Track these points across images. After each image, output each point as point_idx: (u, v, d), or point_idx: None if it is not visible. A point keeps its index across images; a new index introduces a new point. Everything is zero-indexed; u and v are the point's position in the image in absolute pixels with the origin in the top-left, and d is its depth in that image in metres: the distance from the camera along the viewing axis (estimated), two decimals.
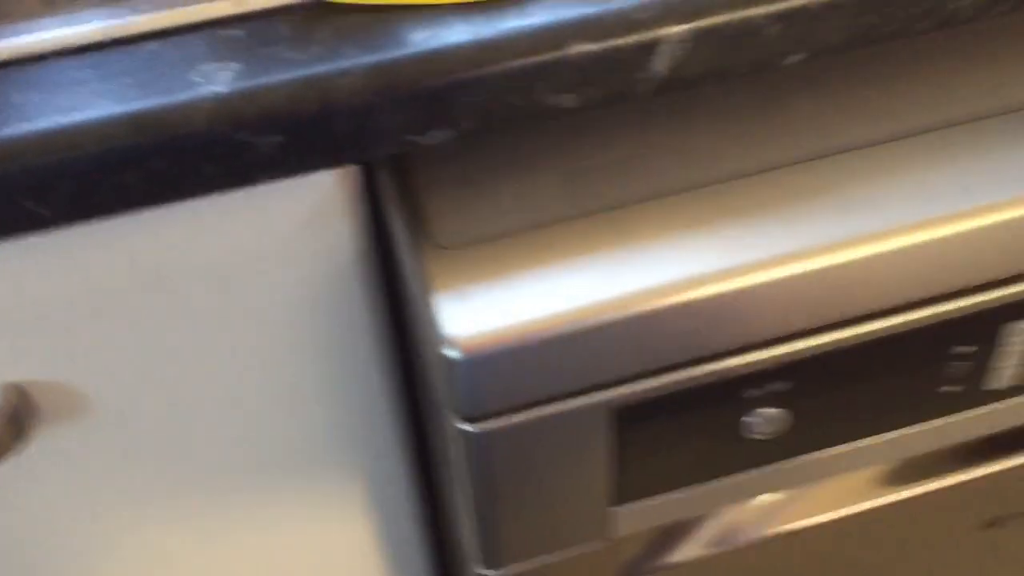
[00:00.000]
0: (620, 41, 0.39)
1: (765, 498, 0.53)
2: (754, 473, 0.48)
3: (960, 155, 0.44)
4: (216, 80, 0.37)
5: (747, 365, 0.43)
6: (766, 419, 0.45)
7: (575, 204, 0.43)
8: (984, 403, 0.49)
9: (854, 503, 0.54)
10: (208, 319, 0.47)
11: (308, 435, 0.55)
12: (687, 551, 0.53)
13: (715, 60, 0.40)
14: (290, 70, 0.37)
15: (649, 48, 0.39)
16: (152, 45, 0.40)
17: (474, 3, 0.40)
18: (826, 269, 0.41)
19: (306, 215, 0.45)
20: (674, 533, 0.52)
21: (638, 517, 0.49)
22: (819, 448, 0.48)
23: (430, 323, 0.40)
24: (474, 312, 0.40)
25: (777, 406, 0.45)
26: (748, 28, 0.39)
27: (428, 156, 0.46)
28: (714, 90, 0.48)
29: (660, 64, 0.40)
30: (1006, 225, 0.42)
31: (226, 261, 0.45)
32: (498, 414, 0.42)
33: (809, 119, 0.46)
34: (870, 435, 0.49)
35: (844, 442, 0.49)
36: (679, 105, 0.47)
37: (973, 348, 0.46)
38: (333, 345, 0.50)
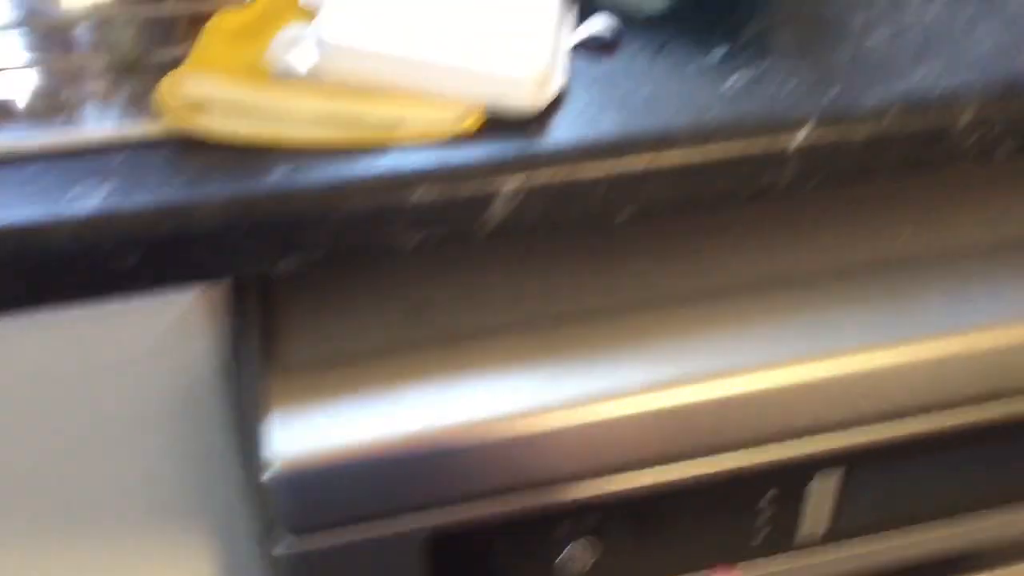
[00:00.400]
0: (461, 189, 0.43)
1: None
2: None
3: (782, 310, 0.48)
4: (86, 200, 0.41)
5: (559, 500, 0.46)
6: (577, 556, 0.48)
7: (414, 333, 0.46)
8: (795, 549, 0.52)
9: None
10: (70, 420, 0.49)
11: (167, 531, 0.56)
12: None
13: (547, 212, 0.44)
14: (155, 195, 0.41)
15: (487, 198, 0.44)
16: (37, 165, 0.43)
17: (336, 146, 0.44)
18: (639, 413, 0.45)
19: (166, 330, 0.49)
20: None
21: None
22: None
23: (255, 442, 0.43)
24: (297, 436, 0.42)
25: (588, 543, 0.48)
26: (577, 187, 0.44)
27: (288, 280, 0.49)
28: (554, 237, 0.52)
29: (497, 212, 0.44)
30: (811, 385, 0.46)
31: (88, 368, 0.48)
32: (313, 533, 0.44)
33: (640, 269, 0.50)
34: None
35: None
36: (520, 247, 0.51)
37: (779, 496, 0.49)
38: (189, 455, 0.53)
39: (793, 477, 0.49)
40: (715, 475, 0.48)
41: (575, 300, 0.49)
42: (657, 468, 0.47)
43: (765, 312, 0.48)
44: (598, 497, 0.46)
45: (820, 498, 0.51)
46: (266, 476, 0.42)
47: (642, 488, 0.47)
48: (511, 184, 0.44)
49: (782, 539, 0.52)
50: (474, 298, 0.49)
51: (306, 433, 0.42)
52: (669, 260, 0.51)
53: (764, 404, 0.46)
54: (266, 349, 0.46)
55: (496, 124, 0.45)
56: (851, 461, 0.49)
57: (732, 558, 0.51)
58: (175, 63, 0.45)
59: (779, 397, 0.46)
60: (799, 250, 0.51)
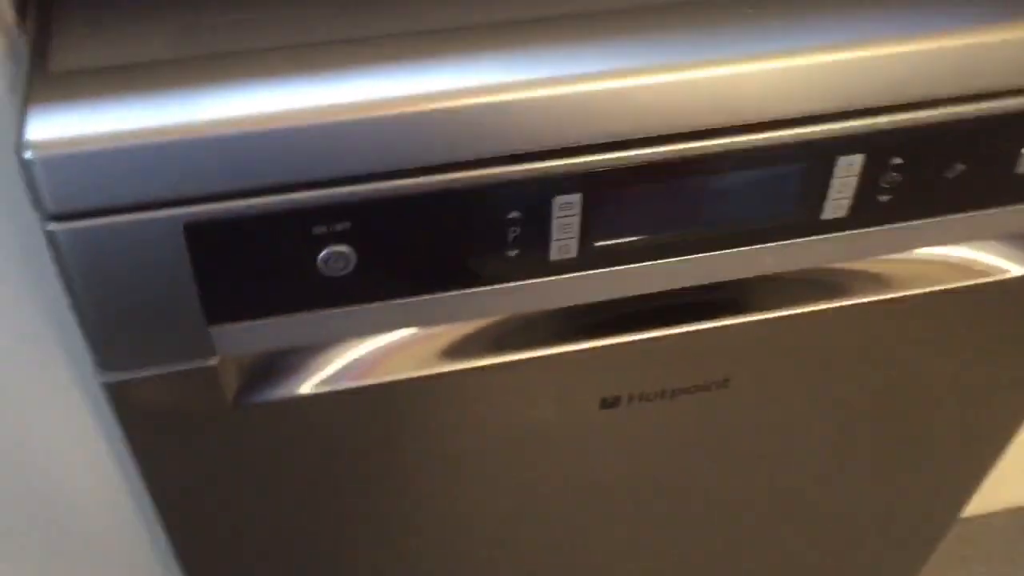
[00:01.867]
0: None
1: (382, 341, 0.60)
2: (337, 312, 0.56)
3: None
4: None
5: (311, 202, 0.51)
6: (335, 257, 0.53)
7: (185, 50, 0.50)
8: (550, 274, 0.57)
9: (464, 360, 0.62)
10: None
11: None
12: (306, 385, 0.60)
13: None
14: None
15: None
16: None
17: None
18: (390, 116, 0.49)
19: None
20: (289, 364, 0.60)
21: (237, 340, 0.56)
22: (390, 297, 0.56)
23: (19, 132, 0.47)
24: (58, 123, 0.47)
25: (344, 244, 0.52)
26: None
27: None
28: None
29: None
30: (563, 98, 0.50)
31: None
32: (79, 216, 0.48)
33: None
34: (441, 290, 0.56)
35: (415, 294, 0.56)
36: None
37: (523, 216, 0.54)
38: None
39: (535, 196, 0.54)
40: (459, 189, 0.52)
41: (341, 29, 0.52)
42: (401, 180, 0.51)
43: (516, 35, 0.52)
44: (351, 199, 0.51)
45: (564, 220, 0.55)
46: (24, 157, 0.46)
47: (388, 194, 0.51)
48: None
49: (535, 260, 0.56)
50: (250, 23, 0.52)
51: (63, 122, 0.46)
52: None
53: (503, 119, 0.50)
54: (36, 56, 0.49)
55: None
56: (588, 185, 0.54)
57: (489, 277, 0.56)
58: None
59: (519, 115, 0.50)
60: None
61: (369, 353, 0.61)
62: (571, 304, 0.61)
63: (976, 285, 0.69)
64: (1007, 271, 0.69)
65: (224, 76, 0.49)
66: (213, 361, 0.57)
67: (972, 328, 0.73)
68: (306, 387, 0.61)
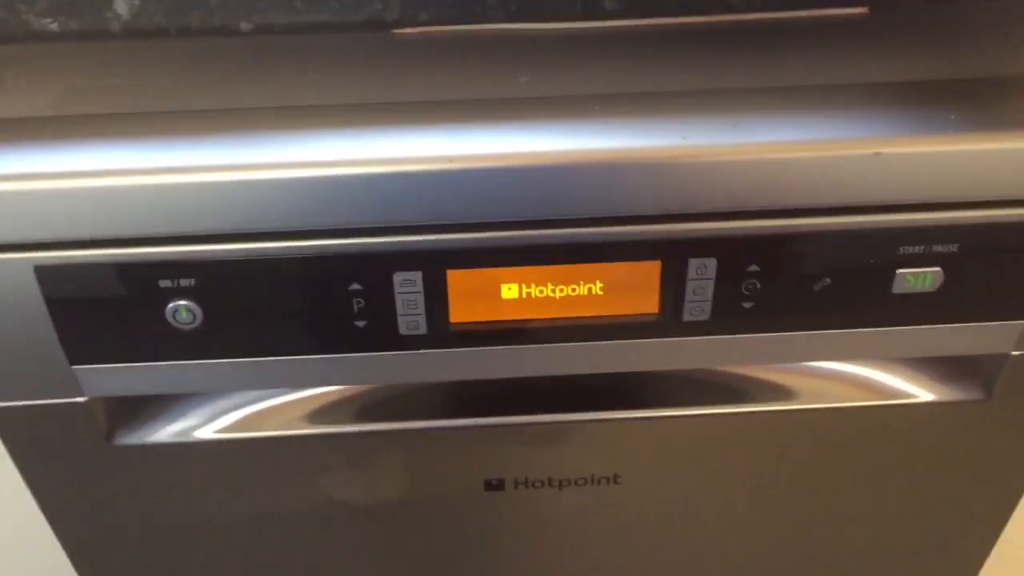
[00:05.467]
0: None
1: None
2: (191, 364, 0.59)
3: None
4: None
5: (157, 256, 0.55)
6: (181, 310, 0.56)
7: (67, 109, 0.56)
8: (403, 348, 0.60)
9: (331, 425, 0.65)
10: None
11: None
12: (171, 432, 0.64)
13: (166, 18, 0.53)
14: None
15: None
16: None
17: None
18: (228, 181, 0.53)
19: None
20: (158, 409, 0.64)
21: (101, 381, 0.60)
22: (242, 355, 0.59)
23: None
24: None
25: (190, 300, 0.56)
26: None
27: None
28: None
29: (120, 9, 0.53)
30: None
31: None
32: None
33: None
34: (290, 354, 0.59)
35: (266, 355, 0.59)
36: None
37: (364, 288, 0.57)
38: None
39: (374, 271, 0.56)
40: (295, 257, 0.55)
41: (210, 99, 0.57)
42: (240, 244, 0.55)
43: (361, 116, 0.55)
44: (195, 258, 0.55)
45: (407, 296, 0.58)
46: None
47: (229, 256, 0.55)
48: None
49: (384, 334, 0.59)
50: (125, 88, 0.57)
51: None
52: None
53: (338, 193, 0.54)
54: None
55: None
56: (429, 263, 0.56)
57: (338, 345, 0.59)
58: None
59: (357, 189, 0.54)
60: None
61: (232, 407, 0.64)
62: (430, 381, 0.63)
63: (875, 406, 0.67)
64: (910, 396, 0.67)
65: (77, 134, 0.54)
66: (81, 399, 0.61)
67: (875, 449, 0.71)
68: (170, 434, 0.64)
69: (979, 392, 0.67)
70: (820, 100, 0.57)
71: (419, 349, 0.61)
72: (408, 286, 0.57)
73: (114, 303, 0.56)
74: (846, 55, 0.64)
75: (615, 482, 0.71)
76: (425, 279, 0.57)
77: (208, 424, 0.65)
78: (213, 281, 0.56)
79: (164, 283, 0.56)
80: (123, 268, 0.55)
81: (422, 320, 0.59)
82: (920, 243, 0.57)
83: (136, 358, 0.59)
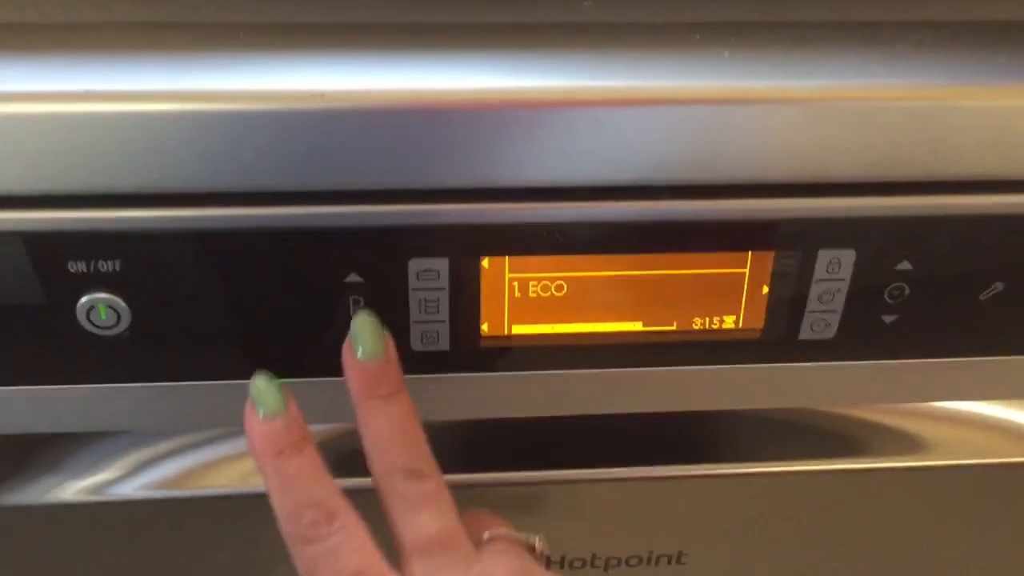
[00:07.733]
0: None
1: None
2: (110, 388, 0.41)
3: None
4: None
5: (63, 222, 0.37)
6: (100, 307, 0.39)
7: None
8: (413, 371, 0.43)
9: None
10: None
11: None
12: (68, 489, 0.46)
13: None
14: None
15: None
16: None
17: None
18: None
19: None
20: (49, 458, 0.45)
21: None
22: (188, 376, 0.41)
23: None
24: None
25: (112, 292, 0.38)
26: None
27: None
28: None
29: None
30: None
31: None
32: None
33: None
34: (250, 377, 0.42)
35: (217, 378, 0.42)
36: None
37: (365, 281, 0.40)
38: None
39: (382, 256, 0.39)
40: (276, 231, 0.38)
41: None
42: (201, 207, 0.37)
43: None
44: (117, 229, 0.37)
45: (427, 296, 0.41)
46: None
47: (177, 226, 0.38)
48: None
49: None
50: None
51: None
52: None
53: (334, 136, 0.37)
54: None
55: None
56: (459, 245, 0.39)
57: (322, 369, 0.42)
58: None
59: (365, 129, 0.37)
60: None
61: (169, 452, 0.46)
62: (448, 419, 0.46)
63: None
64: None
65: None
66: None
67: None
68: (77, 490, 0.46)
69: None
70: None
71: (437, 373, 0.43)
72: (429, 279, 0.40)
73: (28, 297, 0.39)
74: None
75: (678, 562, 0.54)
76: (453, 271, 0.40)
77: (133, 476, 0.46)
78: (145, 265, 0.38)
79: (74, 267, 0.38)
80: (8, 241, 0.37)
81: (444, 331, 0.42)
82: None
83: (30, 380, 0.41)
